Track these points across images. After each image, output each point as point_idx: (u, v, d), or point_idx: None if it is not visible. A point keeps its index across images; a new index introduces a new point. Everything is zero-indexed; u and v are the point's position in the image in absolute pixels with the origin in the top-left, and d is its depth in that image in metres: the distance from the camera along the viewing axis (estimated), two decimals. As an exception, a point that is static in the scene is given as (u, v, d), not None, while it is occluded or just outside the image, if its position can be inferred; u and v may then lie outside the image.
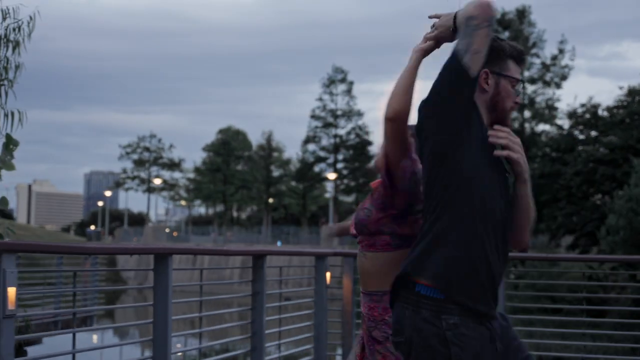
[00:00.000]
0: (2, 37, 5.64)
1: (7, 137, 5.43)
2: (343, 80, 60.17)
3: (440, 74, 2.69)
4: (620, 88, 40.91)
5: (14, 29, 5.73)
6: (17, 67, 5.70)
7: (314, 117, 60.24)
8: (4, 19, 5.66)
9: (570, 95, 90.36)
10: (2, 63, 5.65)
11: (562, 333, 7.87)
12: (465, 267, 2.63)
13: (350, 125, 59.66)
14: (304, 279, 7.34)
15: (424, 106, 2.74)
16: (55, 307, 15.08)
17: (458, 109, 2.66)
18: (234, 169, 71.37)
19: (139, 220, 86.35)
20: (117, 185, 77.95)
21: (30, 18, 5.74)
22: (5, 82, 5.61)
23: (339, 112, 59.81)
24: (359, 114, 59.76)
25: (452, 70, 2.65)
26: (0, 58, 5.65)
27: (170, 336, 5.20)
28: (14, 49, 5.68)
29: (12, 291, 3.91)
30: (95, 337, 19.71)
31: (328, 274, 6.89)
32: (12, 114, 5.61)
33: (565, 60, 43.27)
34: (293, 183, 68.64)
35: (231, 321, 6.55)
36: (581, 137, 39.71)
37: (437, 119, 2.68)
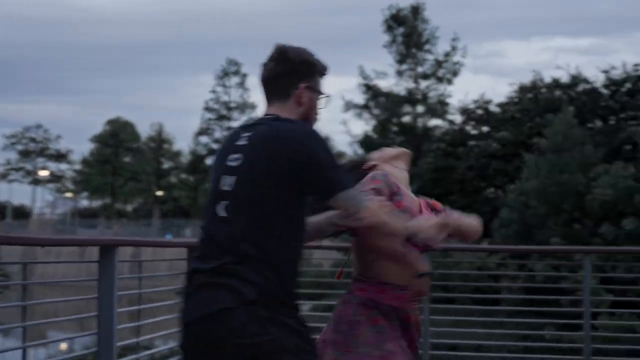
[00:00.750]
0: None
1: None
2: (237, 73, 59.94)
3: (327, 176, 2.93)
4: (511, 85, 42.22)
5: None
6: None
7: (207, 109, 59.82)
8: None
9: (457, 91, 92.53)
10: None
11: (457, 321, 8.10)
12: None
13: (244, 118, 59.45)
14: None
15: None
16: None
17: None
18: (123, 161, 70.21)
19: (20, 212, 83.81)
20: (2, 177, 75.47)
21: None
22: None
23: (232, 105, 59.56)
24: (253, 107, 59.73)
25: (324, 193, 2.96)
26: None
27: (115, 330, 5.10)
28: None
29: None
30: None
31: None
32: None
33: (456, 57, 44.20)
34: (184, 175, 68.02)
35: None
36: (473, 132, 40.72)
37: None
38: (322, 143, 2.91)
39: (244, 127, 3.05)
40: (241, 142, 2.97)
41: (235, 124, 59.56)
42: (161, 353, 6.53)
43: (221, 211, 2.91)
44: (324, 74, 3.14)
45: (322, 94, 3.13)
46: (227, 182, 2.93)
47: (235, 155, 2.94)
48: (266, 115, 3.06)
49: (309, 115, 3.08)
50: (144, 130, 74.13)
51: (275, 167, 2.86)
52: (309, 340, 2.92)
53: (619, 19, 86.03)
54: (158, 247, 5.94)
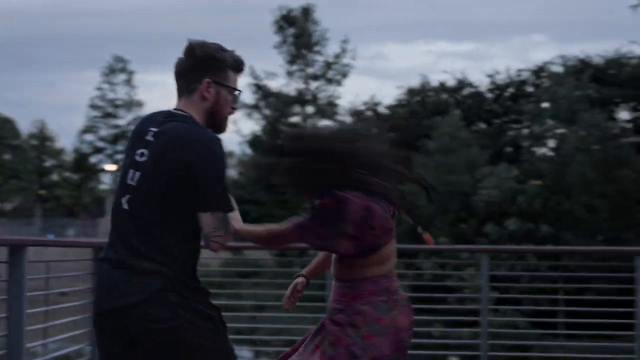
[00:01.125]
0: None
1: None
2: (123, 70, 58.84)
3: (215, 182, 2.97)
4: (399, 87, 43.06)
5: None
6: None
7: (92, 106, 58.51)
8: None
9: (347, 93, 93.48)
10: None
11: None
12: None
13: (130, 116, 58.43)
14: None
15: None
16: None
17: None
18: (3, 159, 68.07)
19: None
20: None
21: None
22: None
23: (118, 102, 58.47)
24: (140, 105, 58.74)
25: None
26: None
27: (24, 331, 5.02)
28: None
29: None
30: None
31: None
32: None
33: (346, 59, 44.69)
34: (67, 174, 66.50)
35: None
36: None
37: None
38: (218, 154, 2.97)
39: (154, 121, 3.07)
40: (149, 137, 3.01)
41: (121, 122, 58.49)
42: (68, 354, 6.41)
43: (125, 204, 3.00)
44: (238, 70, 3.14)
45: (230, 88, 3.11)
46: (133, 177, 3.00)
47: (142, 150, 3.00)
48: (175, 109, 3.09)
49: (216, 110, 3.09)
50: (25, 127, 71.91)
51: (174, 168, 2.92)
52: (221, 323, 3.01)
53: (496, 25, 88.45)
54: (65, 247, 5.86)
